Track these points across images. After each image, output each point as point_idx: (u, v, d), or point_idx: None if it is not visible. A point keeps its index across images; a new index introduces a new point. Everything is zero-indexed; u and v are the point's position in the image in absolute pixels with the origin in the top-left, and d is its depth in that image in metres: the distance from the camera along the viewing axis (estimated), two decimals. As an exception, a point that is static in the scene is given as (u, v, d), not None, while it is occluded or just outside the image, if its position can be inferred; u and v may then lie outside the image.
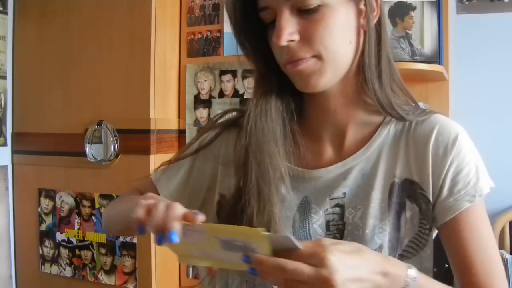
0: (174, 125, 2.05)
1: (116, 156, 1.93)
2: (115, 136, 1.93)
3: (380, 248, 0.79)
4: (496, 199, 2.29)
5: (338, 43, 0.78)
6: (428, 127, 0.83)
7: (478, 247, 0.80)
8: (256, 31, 0.83)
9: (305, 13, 0.76)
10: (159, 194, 0.91)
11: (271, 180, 0.81)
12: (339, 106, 0.85)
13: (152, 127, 1.89)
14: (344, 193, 0.83)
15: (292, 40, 0.76)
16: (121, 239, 1.93)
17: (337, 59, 0.79)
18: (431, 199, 0.80)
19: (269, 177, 0.81)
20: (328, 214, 0.83)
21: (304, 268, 0.61)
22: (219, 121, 0.94)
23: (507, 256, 1.97)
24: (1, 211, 2.10)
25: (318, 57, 0.77)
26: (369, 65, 0.80)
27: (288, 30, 0.75)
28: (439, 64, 2.05)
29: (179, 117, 2.10)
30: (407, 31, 2.03)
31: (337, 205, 0.83)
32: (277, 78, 0.84)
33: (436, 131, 0.82)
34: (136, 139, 1.90)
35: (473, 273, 0.80)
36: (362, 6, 0.79)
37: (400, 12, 2.04)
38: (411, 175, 0.81)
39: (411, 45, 2.03)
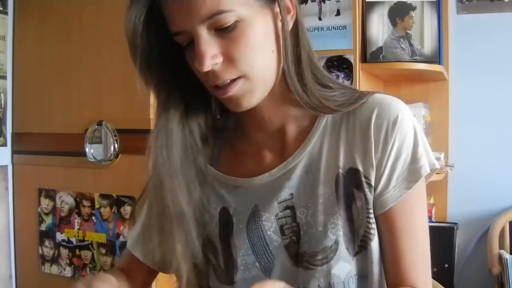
0: (174, 125, 2.05)
1: (116, 156, 1.93)
2: (115, 136, 1.93)
3: (336, 244, 0.78)
4: (496, 199, 2.30)
5: (261, 57, 0.75)
6: (367, 111, 0.80)
7: (408, 239, 0.79)
8: (162, 57, 0.78)
9: (223, 32, 0.72)
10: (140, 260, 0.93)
11: (171, 215, 0.80)
12: (272, 112, 0.84)
13: (152, 127, 1.89)
14: (292, 194, 0.82)
15: (216, 63, 0.73)
16: (121, 239, 1.93)
17: (264, 73, 0.77)
18: (373, 185, 0.79)
19: (169, 212, 0.81)
20: (279, 218, 0.82)
21: None
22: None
23: (507, 256, 1.97)
24: (1, 211, 2.09)
25: (245, 77, 0.75)
26: (288, 71, 0.78)
27: (210, 54, 0.72)
28: (439, 64, 2.06)
29: (179, 117, 2.10)
30: (407, 31, 2.03)
31: (286, 208, 0.82)
32: (184, 102, 0.82)
33: (376, 113, 0.79)
34: (136, 139, 1.90)
35: (400, 265, 0.79)
36: (276, 9, 0.76)
37: (400, 12, 2.04)
38: (355, 164, 0.79)
39: (411, 45, 2.03)
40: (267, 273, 0.83)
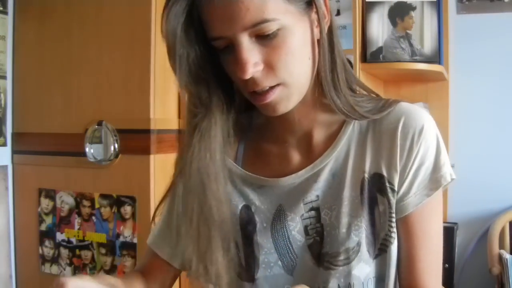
0: (174, 125, 2.05)
1: (116, 156, 1.93)
2: (115, 136, 1.93)
3: (358, 245, 0.80)
4: (496, 199, 2.30)
5: (300, 64, 0.76)
6: (394, 119, 0.82)
7: (424, 244, 0.81)
8: (200, 59, 0.78)
9: (265, 39, 0.72)
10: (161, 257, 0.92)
11: (215, 223, 0.80)
12: (302, 116, 0.85)
13: (152, 127, 1.89)
14: (317, 196, 0.83)
15: (256, 71, 0.73)
16: (121, 239, 1.93)
17: (301, 80, 0.78)
18: (396, 190, 0.81)
19: (212, 220, 0.80)
20: (304, 219, 0.83)
21: None
22: None
23: (507, 256, 1.97)
24: (1, 211, 2.09)
25: (284, 84, 0.75)
26: (325, 77, 0.79)
27: (252, 62, 0.72)
28: (439, 64, 2.06)
29: (179, 117, 2.10)
30: (407, 31, 2.03)
31: (312, 209, 0.83)
32: (222, 103, 0.81)
33: (403, 121, 0.81)
34: (136, 139, 1.90)
35: (414, 269, 0.81)
36: (314, 16, 0.77)
37: (400, 12, 2.04)
38: (380, 169, 0.81)
39: (411, 45, 2.03)
40: (289, 272, 0.84)
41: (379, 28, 2.03)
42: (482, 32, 2.26)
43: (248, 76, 0.72)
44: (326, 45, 0.78)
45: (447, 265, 2.10)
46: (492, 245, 2.08)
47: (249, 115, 0.92)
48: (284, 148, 0.88)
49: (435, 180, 0.80)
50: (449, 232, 2.15)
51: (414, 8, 2.03)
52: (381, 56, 2.02)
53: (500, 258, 1.99)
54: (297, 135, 0.87)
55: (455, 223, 2.24)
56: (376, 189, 0.81)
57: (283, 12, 0.71)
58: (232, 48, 0.73)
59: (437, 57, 2.03)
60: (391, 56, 2.02)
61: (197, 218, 0.81)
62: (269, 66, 0.74)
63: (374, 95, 0.88)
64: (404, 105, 0.84)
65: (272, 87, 0.75)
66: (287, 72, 0.74)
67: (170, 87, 2.05)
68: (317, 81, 0.81)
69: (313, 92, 0.83)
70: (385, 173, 0.81)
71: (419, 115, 0.83)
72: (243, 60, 0.71)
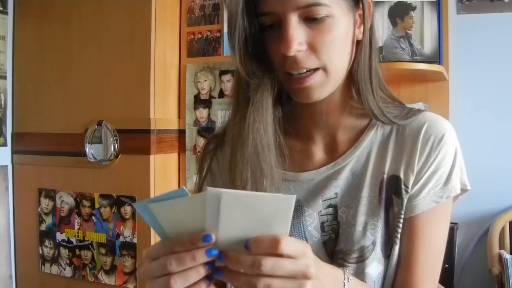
0: (174, 125, 2.05)
1: (116, 156, 1.93)
2: (115, 136, 1.93)
3: (373, 244, 0.81)
4: (496, 199, 2.30)
5: (340, 55, 0.78)
6: (417, 125, 0.84)
7: (425, 249, 0.82)
8: (255, 37, 0.79)
9: (312, 23, 0.75)
10: None
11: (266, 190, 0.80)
12: (330, 111, 0.86)
13: (152, 127, 1.89)
14: (336, 193, 0.84)
15: (300, 50, 0.74)
16: (121, 239, 1.93)
17: (339, 71, 0.79)
18: (410, 191, 0.82)
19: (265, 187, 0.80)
20: (322, 215, 0.84)
21: (283, 261, 0.59)
22: (206, 152, 0.92)
23: (507, 256, 1.97)
24: (1, 211, 2.10)
25: (324, 69, 0.77)
26: (363, 77, 0.81)
27: (298, 40, 0.74)
28: (439, 64, 2.05)
29: (179, 117, 2.10)
30: (407, 31, 2.03)
31: (330, 206, 0.84)
32: (270, 82, 0.81)
33: (425, 128, 0.83)
34: (136, 139, 1.90)
35: (411, 271, 0.81)
36: (357, 16, 0.80)
37: (400, 12, 2.04)
38: (398, 172, 0.83)
39: (411, 45, 2.03)
40: None
41: (379, 28, 2.03)
42: (482, 32, 2.26)
43: (292, 52, 0.73)
44: (368, 46, 0.81)
45: (447, 265, 2.10)
46: (492, 245, 2.08)
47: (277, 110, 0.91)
48: (308, 144, 0.88)
49: (445, 190, 0.82)
50: (449, 232, 2.15)
51: (414, 8, 2.03)
52: (381, 56, 2.02)
53: (500, 258, 1.99)
54: (322, 132, 0.88)
55: (455, 223, 2.23)
56: (392, 191, 0.82)
57: (334, 2, 0.75)
58: (278, 26, 0.75)
59: (437, 57, 2.03)
60: (391, 56, 2.02)
61: (251, 188, 0.80)
62: (313, 48, 0.75)
63: (398, 103, 0.89)
64: (428, 114, 0.86)
65: (311, 72, 0.76)
66: (329, 58, 0.76)
67: (170, 87, 2.06)
68: (348, 81, 0.83)
69: (344, 91, 0.84)
70: (402, 176, 0.82)
71: (441, 123, 0.84)
72: (289, 36, 0.73)
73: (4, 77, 2.12)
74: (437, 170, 0.82)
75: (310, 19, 0.74)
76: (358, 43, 0.81)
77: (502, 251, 2.05)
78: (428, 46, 2.03)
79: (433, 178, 0.82)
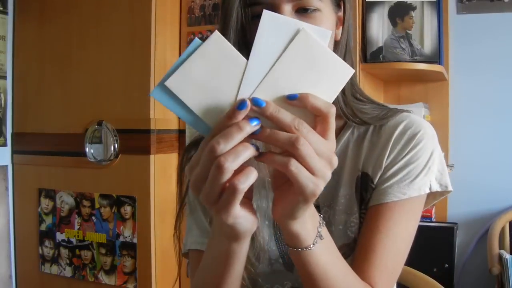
0: (174, 125, 2.05)
1: (116, 156, 1.93)
2: (115, 136, 1.93)
3: (354, 242, 0.82)
4: (496, 199, 2.30)
5: None
6: (395, 123, 0.85)
7: (384, 241, 0.80)
8: (244, 24, 0.79)
9: (303, 14, 0.76)
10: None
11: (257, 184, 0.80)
12: None
13: (152, 127, 1.89)
14: None
15: None
16: (121, 239, 1.93)
17: None
18: (375, 183, 0.83)
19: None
20: None
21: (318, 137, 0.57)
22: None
23: (507, 256, 1.97)
24: (1, 211, 2.10)
25: None
26: None
27: None
28: (439, 64, 2.05)
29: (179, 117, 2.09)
30: (407, 31, 2.03)
31: None
32: None
33: (403, 124, 0.84)
34: (136, 139, 1.90)
35: (366, 259, 0.79)
36: (337, 18, 0.82)
37: (400, 12, 2.04)
38: (368, 169, 0.84)
39: (411, 45, 2.03)
40: (289, 268, 0.86)
41: (379, 28, 2.03)
42: (482, 32, 2.26)
43: None
44: (344, 46, 0.82)
45: (447, 265, 2.10)
46: (492, 245, 2.08)
47: None
48: None
49: (411, 186, 0.81)
50: (449, 232, 2.15)
51: (414, 8, 2.03)
52: (381, 56, 2.02)
53: (500, 258, 1.99)
54: None
55: (455, 223, 2.23)
56: (363, 188, 0.84)
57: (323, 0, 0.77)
58: None
59: (437, 57, 2.03)
60: (391, 56, 2.02)
61: None
62: None
63: (377, 105, 0.90)
64: (411, 115, 0.87)
65: None
66: None
67: (170, 87, 2.05)
68: None
69: None
70: (370, 172, 0.84)
71: (421, 123, 0.85)
72: None
73: (4, 77, 2.12)
74: (407, 166, 0.82)
75: (302, 10, 0.76)
76: (336, 43, 0.82)
77: (502, 251, 2.05)
78: (428, 46, 2.03)
79: (401, 172, 0.82)
